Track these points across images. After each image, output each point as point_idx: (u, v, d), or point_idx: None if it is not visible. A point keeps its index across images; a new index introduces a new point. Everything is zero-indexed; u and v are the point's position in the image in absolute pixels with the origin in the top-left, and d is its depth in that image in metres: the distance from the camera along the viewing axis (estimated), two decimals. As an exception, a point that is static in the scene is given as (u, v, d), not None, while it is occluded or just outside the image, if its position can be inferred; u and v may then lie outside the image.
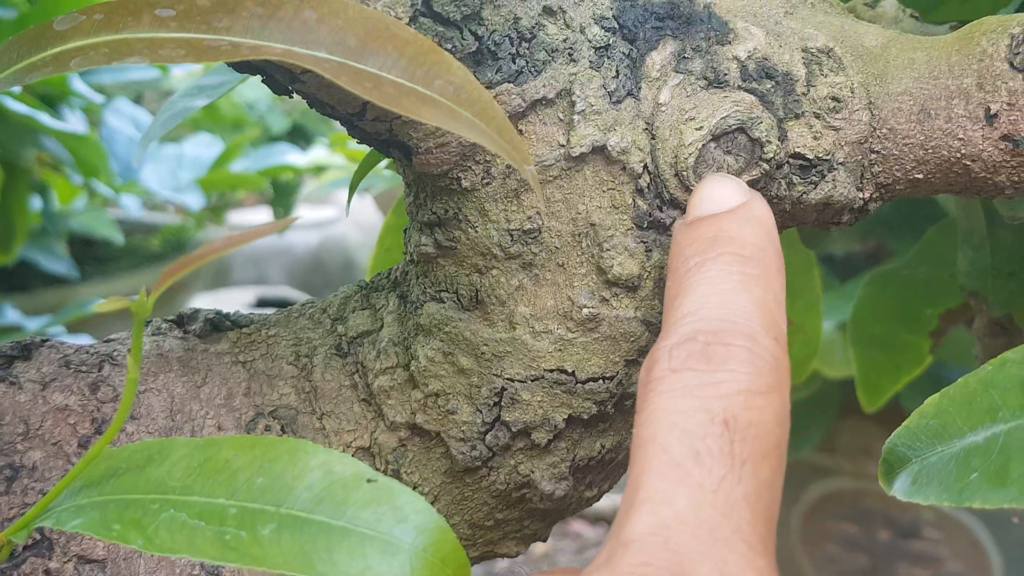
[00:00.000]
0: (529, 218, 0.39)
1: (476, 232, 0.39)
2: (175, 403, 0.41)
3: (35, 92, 1.12)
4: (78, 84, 1.19)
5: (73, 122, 1.17)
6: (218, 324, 0.44)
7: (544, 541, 0.45)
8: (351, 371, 0.43)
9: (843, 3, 0.45)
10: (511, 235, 0.39)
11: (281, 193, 1.80)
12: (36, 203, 1.34)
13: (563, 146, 0.38)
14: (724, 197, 0.36)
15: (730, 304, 0.32)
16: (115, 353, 0.42)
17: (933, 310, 0.66)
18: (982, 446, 0.32)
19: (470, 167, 0.38)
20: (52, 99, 1.17)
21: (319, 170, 1.76)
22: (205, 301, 2.31)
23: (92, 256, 1.79)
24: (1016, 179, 0.39)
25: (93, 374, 0.40)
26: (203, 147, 1.54)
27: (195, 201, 1.54)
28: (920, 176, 0.40)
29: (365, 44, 0.33)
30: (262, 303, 2.42)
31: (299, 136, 1.84)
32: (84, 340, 1.20)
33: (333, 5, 0.33)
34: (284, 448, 0.29)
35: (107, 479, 0.30)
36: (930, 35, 0.45)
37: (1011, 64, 0.38)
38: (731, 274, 0.33)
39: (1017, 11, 0.50)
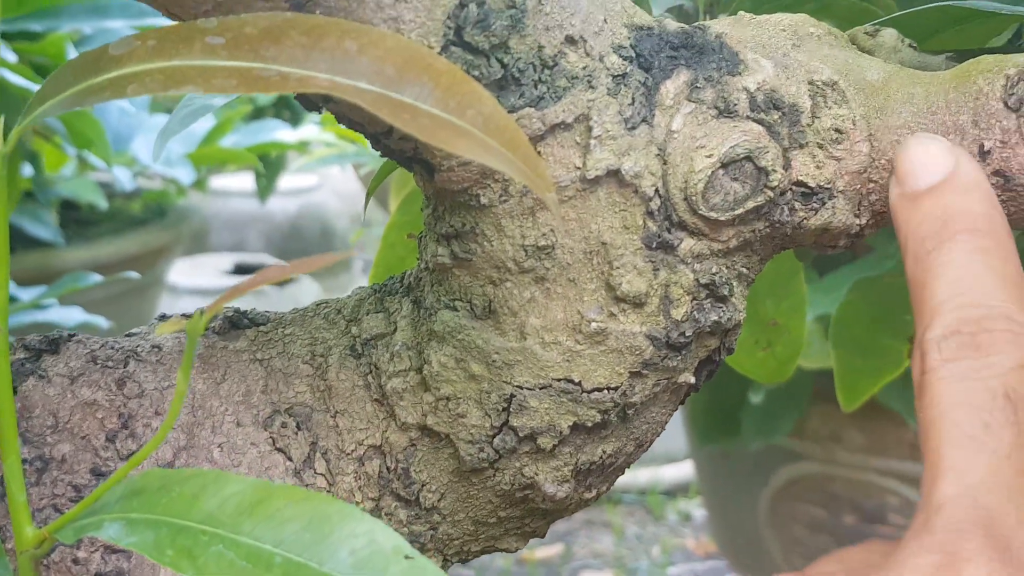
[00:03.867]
0: (544, 235, 0.41)
1: (492, 246, 0.41)
2: (196, 399, 0.43)
3: (31, 64, 1.13)
4: (72, 54, 1.19)
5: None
6: (236, 322, 0.46)
7: (542, 537, 0.48)
8: (365, 372, 0.45)
9: (844, 32, 0.47)
10: (526, 250, 0.41)
11: (268, 167, 1.81)
12: (27, 170, 1.35)
13: (579, 168, 0.40)
14: (936, 161, 0.39)
15: (981, 287, 0.36)
16: (139, 349, 0.44)
17: (913, 316, 0.68)
18: None
19: (489, 185, 0.40)
20: (47, 71, 1.18)
21: (304, 146, 1.77)
22: (183, 266, 2.32)
23: (74, 220, 1.79)
24: (1006, 212, 0.41)
25: (119, 370, 0.42)
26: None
27: (185, 175, 1.55)
28: (915, 206, 0.42)
29: (402, 74, 0.34)
30: (240, 269, 2.43)
31: (286, 107, 1.86)
32: (75, 312, 1.21)
33: (372, 36, 0.35)
34: (335, 508, 0.31)
35: (159, 498, 0.32)
36: (927, 64, 0.47)
37: (1005, 104, 0.40)
38: (971, 253, 0.37)
39: (1011, 40, 0.52)
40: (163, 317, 0.46)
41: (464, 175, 0.40)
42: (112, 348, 0.43)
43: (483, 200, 0.40)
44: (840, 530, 1.35)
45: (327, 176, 3.18)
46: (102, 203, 1.63)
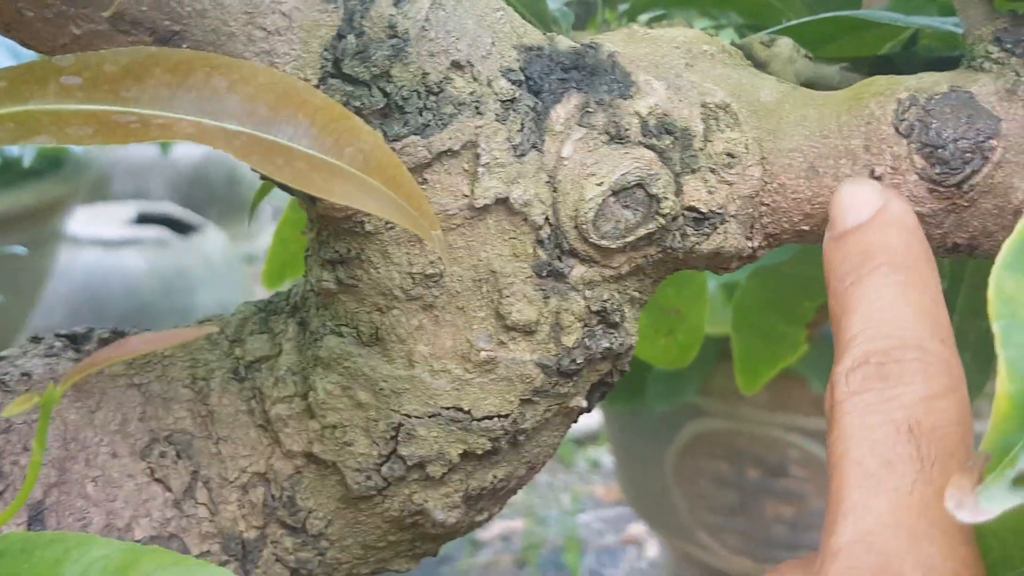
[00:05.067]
0: (431, 263, 0.39)
1: (378, 273, 0.40)
2: (69, 431, 0.41)
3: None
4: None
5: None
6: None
7: (435, 556, 0.47)
8: (248, 396, 0.43)
9: (739, 41, 0.46)
10: (413, 278, 0.40)
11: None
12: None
13: (467, 196, 0.39)
14: (863, 203, 0.38)
15: (894, 318, 0.35)
16: (6, 377, 0.42)
17: (811, 303, 0.68)
18: None
19: None
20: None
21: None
22: (83, 216, 2.26)
23: (-34, 174, 1.74)
24: None
25: (-14, 404, 0.40)
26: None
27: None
28: (807, 228, 0.42)
29: (276, 113, 0.33)
30: (143, 219, 2.38)
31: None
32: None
33: (243, 71, 0.33)
34: (205, 572, 0.30)
35: (19, 564, 0.30)
36: (822, 74, 0.46)
37: (896, 129, 0.40)
38: (887, 286, 0.36)
39: (906, 46, 0.52)
40: (35, 339, 0.44)
41: (347, 202, 0.38)
42: (-22, 378, 0.41)
43: (368, 227, 0.39)
44: (744, 484, 1.37)
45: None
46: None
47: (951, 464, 0.32)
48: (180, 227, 2.36)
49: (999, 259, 0.28)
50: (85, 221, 2.27)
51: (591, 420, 2.20)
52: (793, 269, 0.69)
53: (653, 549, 1.86)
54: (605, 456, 2.18)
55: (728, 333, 1.09)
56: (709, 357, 1.26)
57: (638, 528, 1.93)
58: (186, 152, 2.82)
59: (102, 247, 2.24)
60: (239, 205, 2.84)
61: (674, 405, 1.26)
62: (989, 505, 0.26)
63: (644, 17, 0.66)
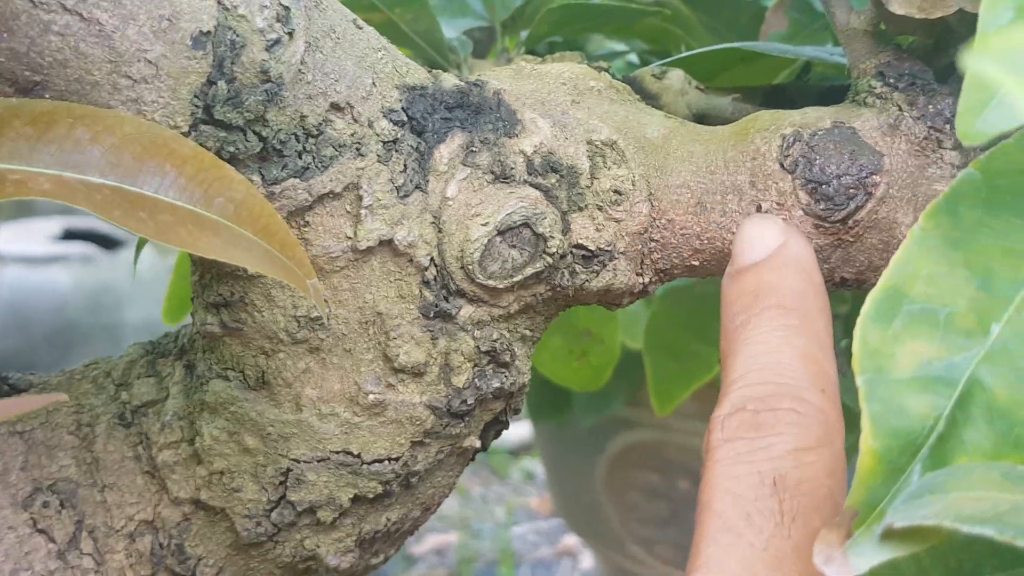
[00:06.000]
0: (316, 305, 0.39)
1: (263, 316, 0.39)
2: (-52, 483, 0.40)
3: None
4: None
5: None
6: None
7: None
8: (135, 442, 0.42)
9: (631, 74, 0.46)
10: (297, 321, 0.39)
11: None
12: None
13: (350, 238, 0.38)
14: (763, 240, 0.37)
15: (776, 364, 0.34)
16: None
17: (722, 324, 0.68)
18: None
19: None
20: None
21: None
22: (8, 233, 2.22)
23: None
24: None
25: None
26: None
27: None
28: (696, 263, 0.42)
29: (142, 163, 0.32)
30: (69, 235, 2.34)
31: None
32: None
33: (108, 120, 0.32)
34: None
35: None
36: (714, 106, 0.46)
37: (781, 165, 0.39)
38: (774, 330, 0.35)
39: (799, 76, 0.52)
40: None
41: (228, 246, 0.38)
42: None
43: (250, 270, 0.38)
44: (675, 495, 1.37)
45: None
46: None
47: (815, 519, 0.31)
48: (107, 242, 2.32)
49: (864, 310, 0.28)
50: (9, 238, 2.23)
51: (524, 431, 2.20)
52: (705, 289, 0.69)
53: (588, 561, 1.87)
54: (539, 467, 2.17)
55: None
56: (636, 369, 1.26)
57: (572, 540, 1.93)
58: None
59: (27, 264, 2.20)
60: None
61: (600, 418, 1.26)
62: (858, 561, 0.26)
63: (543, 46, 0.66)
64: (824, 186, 0.39)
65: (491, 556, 1.93)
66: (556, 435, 1.47)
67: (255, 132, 0.36)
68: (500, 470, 2.18)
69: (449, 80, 0.41)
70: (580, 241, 0.40)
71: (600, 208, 0.40)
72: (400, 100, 0.39)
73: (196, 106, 0.35)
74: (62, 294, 2.18)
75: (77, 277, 2.19)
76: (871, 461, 0.27)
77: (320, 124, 0.37)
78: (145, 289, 2.25)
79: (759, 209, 0.40)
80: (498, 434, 0.44)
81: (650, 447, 1.35)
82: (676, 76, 0.45)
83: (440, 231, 0.39)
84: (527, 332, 0.42)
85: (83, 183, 0.31)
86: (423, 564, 1.92)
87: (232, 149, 0.36)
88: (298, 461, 0.41)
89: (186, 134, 0.35)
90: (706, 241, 0.41)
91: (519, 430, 2.23)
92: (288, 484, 0.41)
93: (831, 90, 0.46)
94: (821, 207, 0.39)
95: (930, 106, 0.39)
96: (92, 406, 0.43)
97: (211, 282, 0.40)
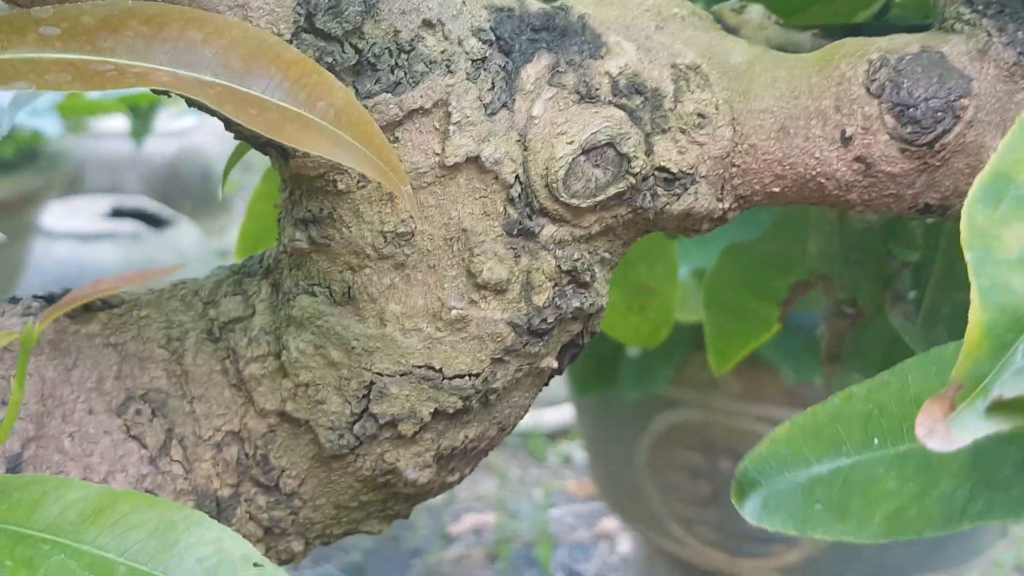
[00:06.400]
0: (403, 221, 0.40)
1: (350, 232, 0.40)
2: (46, 387, 0.41)
3: None
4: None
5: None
6: (89, 304, 0.45)
7: (407, 518, 0.47)
8: (222, 356, 0.44)
9: (710, 7, 0.47)
10: (384, 236, 0.40)
11: (142, 111, 1.76)
12: None
13: (438, 155, 0.39)
14: None
15: None
16: (-16, 335, 0.42)
17: (783, 280, 0.69)
18: (826, 478, 0.35)
19: (346, 171, 0.39)
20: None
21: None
22: (59, 209, 2.25)
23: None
24: (866, 198, 0.42)
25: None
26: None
27: (52, 126, 1.50)
28: (777, 190, 0.42)
29: (249, 66, 0.33)
30: (117, 213, 2.37)
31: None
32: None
33: (217, 24, 0.33)
34: (181, 515, 0.30)
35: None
36: (793, 41, 0.47)
37: (867, 89, 0.40)
38: None
39: (878, 16, 0.53)
40: (12, 300, 0.44)
41: (319, 161, 0.39)
42: (-46, 336, 0.41)
43: (340, 186, 0.40)
44: (717, 475, 1.37)
45: (206, 117, 3.10)
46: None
47: None
48: (154, 221, 2.35)
49: (971, 194, 0.29)
50: (60, 215, 2.26)
51: (563, 414, 2.20)
52: (766, 246, 0.69)
53: (625, 544, 1.87)
54: (577, 451, 2.18)
55: (701, 320, 1.10)
56: (682, 346, 1.26)
57: (610, 523, 1.93)
58: (160, 148, 2.81)
59: (77, 240, 2.23)
60: (212, 200, 2.83)
61: (646, 393, 1.26)
62: (960, 433, 0.27)
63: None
64: (911, 109, 0.39)
65: (528, 537, 1.94)
66: (599, 414, 1.47)
67: (351, 44, 0.37)
68: (538, 453, 2.19)
69: (534, 3, 0.42)
70: (662, 164, 0.41)
71: (683, 131, 0.41)
72: (488, 20, 0.40)
73: (299, 14, 0.36)
74: (110, 270, 2.21)
75: (126, 254, 2.22)
76: (978, 334, 0.27)
77: (412, 40, 0.38)
78: (191, 268, 2.27)
79: (843, 134, 0.40)
80: (574, 358, 0.45)
81: (693, 427, 1.35)
82: (756, 10, 0.46)
83: (525, 149, 0.40)
84: (606, 255, 0.42)
85: (197, 80, 0.32)
86: (460, 543, 1.93)
87: (330, 60, 0.37)
88: (381, 375, 0.42)
89: (288, 42, 0.36)
90: (788, 167, 0.41)
91: (557, 414, 2.24)
92: (371, 397, 0.42)
93: (910, 29, 0.47)
94: (908, 130, 0.39)
95: (1019, 32, 0.39)
96: (181, 322, 0.45)
97: (301, 199, 0.41)
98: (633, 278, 0.70)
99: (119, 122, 2.72)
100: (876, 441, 0.35)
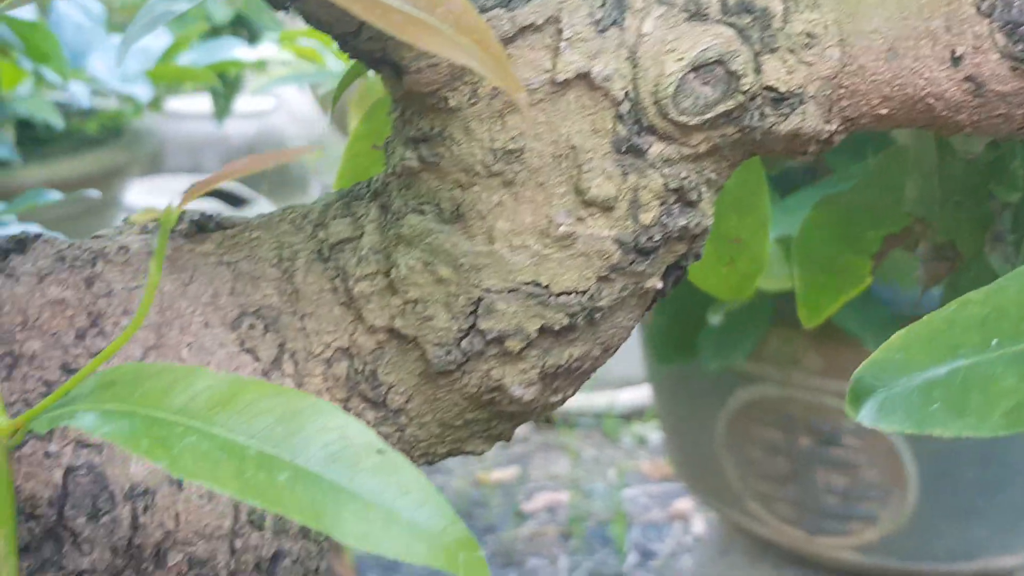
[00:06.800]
0: (513, 138, 0.41)
1: (460, 149, 0.41)
2: (164, 300, 0.43)
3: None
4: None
5: (24, 9, 1.16)
6: (203, 225, 0.46)
7: (508, 441, 0.48)
8: (332, 275, 0.45)
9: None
10: (494, 153, 0.41)
11: (226, 86, 1.79)
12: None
13: (548, 71, 0.40)
14: None
15: None
16: (106, 249, 0.43)
17: (876, 232, 0.69)
18: (944, 379, 0.35)
19: (458, 87, 0.40)
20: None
21: (262, 65, 1.74)
22: (140, 188, 2.29)
23: (30, 139, 1.77)
24: (975, 119, 0.42)
25: (87, 269, 0.42)
26: (150, 38, 1.52)
27: (143, 92, 1.53)
28: (885, 112, 0.42)
29: (374, -30, 0.34)
30: (198, 192, 2.40)
31: (242, 27, 1.82)
32: (34, 229, 1.19)
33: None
34: (306, 403, 0.31)
35: (132, 390, 0.32)
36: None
37: (978, 8, 0.40)
38: None
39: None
40: (129, 221, 0.46)
41: (433, 76, 0.40)
42: (79, 249, 0.43)
43: (451, 103, 0.40)
44: (796, 452, 1.36)
45: (284, 99, 3.14)
46: (58, 122, 1.61)
47: None
48: (232, 200, 2.38)
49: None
50: (142, 193, 2.30)
51: (638, 395, 2.20)
52: (859, 197, 0.69)
53: (699, 524, 1.87)
54: (651, 432, 2.18)
55: (784, 289, 1.09)
56: (763, 319, 1.26)
57: (684, 504, 1.93)
58: (239, 129, 2.85)
59: (158, 218, 2.26)
60: (290, 180, 2.86)
61: (727, 364, 1.26)
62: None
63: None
64: (1022, 27, 0.39)
65: (602, 516, 1.94)
66: (676, 390, 1.47)
67: None
68: (611, 434, 2.19)
69: (644, -74, 0.42)
70: (771, 83, 0.41)
71: (792, 51, 0.41)
72: (600, -62, 0.41)
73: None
74: (190, 248, 2.23)
75: (205, 232, 2.25)
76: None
77: (528, -45, 0.39)
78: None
79: (953, 54, 0.40)
80: (678, 280, 0.45)
81: (772, 403, 1.35)
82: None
83: (635, 66, 0.40)
84: (713, 175, 0.43)
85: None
86: (534, 521, 1.94)
87: None
88: (489, 291, 0.42)
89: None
90: (896, 88, 0.41)
91: (632, 394, 2.24)
92: (479, 313, 0.43)
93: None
94: (1018, 48, 0.39)
95: None
96: (291, 243, 0.46)
97: (411, 117, 0.42)
98: (723, 229, 0.70)
99: (199, 104, 2.77)
100: (994, 342, 0.35)
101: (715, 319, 1.21)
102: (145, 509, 0.40)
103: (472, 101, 0.40)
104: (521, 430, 2.15)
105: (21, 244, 0.42)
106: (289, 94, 3.10)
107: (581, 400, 2.21)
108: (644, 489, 2.04)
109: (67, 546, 0.38)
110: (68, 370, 0.40)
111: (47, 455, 0.39)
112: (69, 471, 0.39)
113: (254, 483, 0.31)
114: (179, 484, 0.40)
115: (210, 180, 0.30)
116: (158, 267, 0.30)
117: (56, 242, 0.43)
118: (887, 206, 0.66)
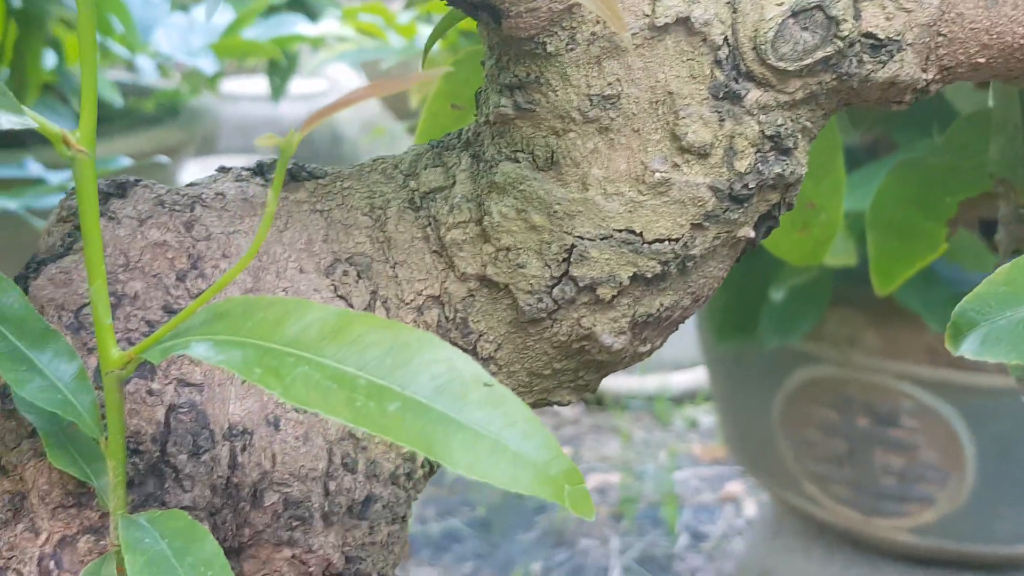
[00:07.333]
0: (609, 84, 0.41)
1: (556, 96, 0.41)
2: (261, 245, 0.43)
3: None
4: None
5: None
6: (296, 174, 0.46)
7: (594, 392, 0.48)
8: (423, 224, 0.45)
9: None
10: (591, 100, 0.41)
11: (283, 67, 1.79)
12: (49, 61, 1.34)
13: (648, 16, 0.40)
14: None
15: None
16: (203, 195, 0.44)
17: (953, 198, 0.68)
18: None
19: (556, 32, 0.40)
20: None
21: (320, 42, 1.75)
22: (196, 168, 2.31)
23: (90, 115, 1.78)
24: None
25: (187, 213, 0.42)
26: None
27: (209, 65, 1.54)
28: (982, 60, 0.42)
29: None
30: (252, 172, 2.42)
31: (300, 5, 1.83)
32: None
33: None
34: (414, 336, 0.31)
35: (243, 322, 0.32)
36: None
37: None
38: None
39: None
40: (223, 169, 0.46)
41: (531, 21, 0.40)
42: (178, 194, 0.43)
43: (549, 48, 0.40)
44: (853, 433, 1.35)
45: (337, 82, 3.16)
46: (118, 100, 1.62)
47: None
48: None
49: None
50: (197, 173, 2.32)
51: (690, 378, 2.20)
52: (937, 161, 0.68)
53: (751, 507, 1.86)
54: (703, 415, 2.17)
55: (847, 264, 1.08)
56: (824, 296, 1.25)
57: (736, 486, 1.92)
58: (292, 110, 2.87)
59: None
60: (342, 162, 2.88)
61: (786, 341, 1.25)
62: None
63: None
64: None
65: (653, 498, 1.94)
66: (732, 370, 1.47)
67: None
68: (663, 417, 2.19)
69: None
70: (869, 29, 0.41)
71: (890, -3, 0.41)
72: None
73: None
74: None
75: (259, 212, 2.26)
76: None
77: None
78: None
79: None
80: (769, 231, 0.45)
81: (830, 383, 1.34)
82: None
83: (735, 11, 0.40)
84: (808, 124, 0.43)
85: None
86: (586, 502, 1.94)
87: None
88: (582, 238, 0.42)
89: None
90: (995, 36, 0.41)
91: (685, 377, 2.23)
92: (571, 260, 0.43)
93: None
94: None
95: None
96: (383, 192, 0.46)
97: (508, 64, 0.42)
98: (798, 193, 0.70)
99: (253, 85, 2.78)
100: (1100, 274, 0.35)
101: (778, 295, 1.21)
102: (243, 449, 0.40)
103: (570, 47, 0.40)
104: (572, 411, 2.15)
105: (122, 188, 0.43)
106: (341, 76, 3.11)
107: (633, 382, 2.21)
108: (695, 471, 2.03)
109: (169, 482, 0.39)
110: (169, 311, 0.40)
111: (150, 392, 0.39)
112: (171, 409, 0.39)
113: (365, 412, 0.31)
114: (276, 425, 0.41)
115: (334, 106, 0.30)
116: (276, 192, 0.30)
117: (155, 187, 0.43)
118: (965, 170, 0.66)
